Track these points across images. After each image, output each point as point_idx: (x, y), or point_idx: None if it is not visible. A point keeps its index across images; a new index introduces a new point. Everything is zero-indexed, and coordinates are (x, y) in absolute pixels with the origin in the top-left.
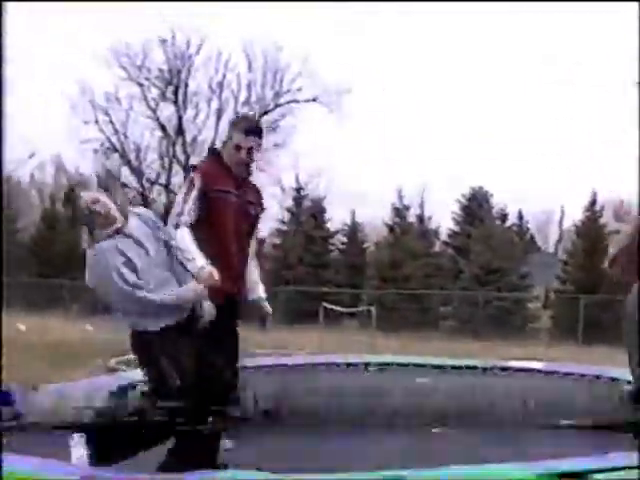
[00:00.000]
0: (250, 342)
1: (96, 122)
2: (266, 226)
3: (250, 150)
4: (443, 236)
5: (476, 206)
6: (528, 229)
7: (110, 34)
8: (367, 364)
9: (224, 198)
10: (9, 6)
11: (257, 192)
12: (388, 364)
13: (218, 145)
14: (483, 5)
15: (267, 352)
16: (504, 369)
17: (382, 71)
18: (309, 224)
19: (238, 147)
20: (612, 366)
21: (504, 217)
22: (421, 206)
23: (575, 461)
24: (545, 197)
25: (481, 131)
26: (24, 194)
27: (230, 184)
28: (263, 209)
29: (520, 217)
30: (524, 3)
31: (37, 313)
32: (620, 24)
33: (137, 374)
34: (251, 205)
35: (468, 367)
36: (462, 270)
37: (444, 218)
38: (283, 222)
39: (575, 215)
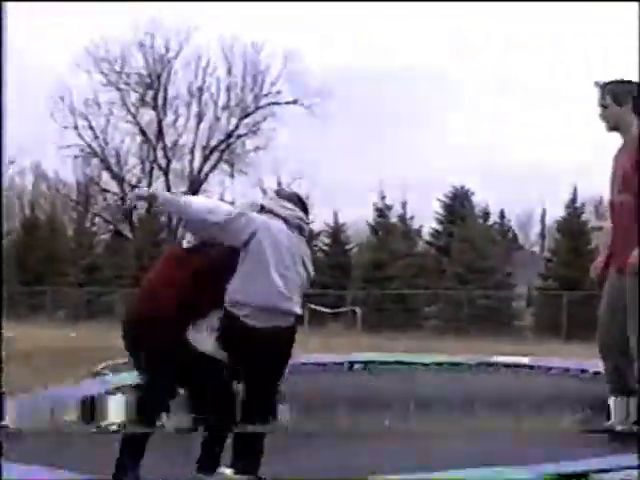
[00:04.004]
0: None
1: (75, 128)
2: None
3: None
4: (426, 236)
5: (458, 205)
6: (510, 227)
7: (86, 39)
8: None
9: None
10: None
11: None
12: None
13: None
14: None
15: None
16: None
17: (362, 70)
18: None
19: None
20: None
21: (486, 216)
22: (403, 206)
23: (575, 463)
24: (526, 195)
25: (460, 128)
26: (5, 200)
27: None
28: None
29: (502, 216)
30: None
31: (21, 321)
32: None
33: (122, 378)
34: None
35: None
36: (445, 269)
37: (426, 218)
38: None
39: (556, 212)
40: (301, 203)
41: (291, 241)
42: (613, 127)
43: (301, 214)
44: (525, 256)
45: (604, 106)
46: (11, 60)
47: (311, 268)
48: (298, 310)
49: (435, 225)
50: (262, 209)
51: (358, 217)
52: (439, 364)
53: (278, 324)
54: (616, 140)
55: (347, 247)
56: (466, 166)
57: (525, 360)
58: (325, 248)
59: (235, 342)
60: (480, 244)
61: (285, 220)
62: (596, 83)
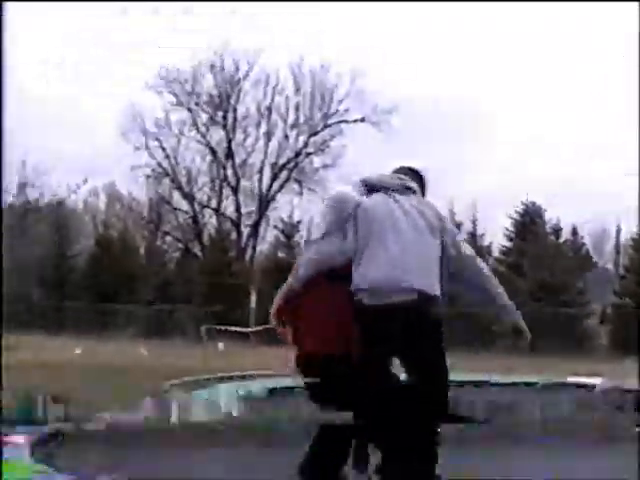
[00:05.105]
0: None
1: (147, 148)
2: None
3: None
4: (496, 253)
5: (529, 221)
6: (583, 244)
7: (160, 60)
8: None
9: None
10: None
11: None
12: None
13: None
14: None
15: None
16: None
17: (430, 86)
18: None
19: None
20: None
21: (558, 232)
22: (473, 222)
23: None
24: (600, 212)
25: (533, 144)
26: (78, 220)
27: None
28: None
29: (574, 232)
30: None
31: (92, 337)
32: None
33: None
34: None
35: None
36: (516, 287)
37: (496, 234)
38: None
39: (631, 228)
40: (411, 172)
41: (398, 205)
42: None
43: (403, 177)
44: (599, 273)
45: None
46: (84, 86)
47: (445, 226)
48: (422, 285)
49: (505, 242)
50: (365, 186)
51: None
52: (515, 384)
53: (391, 301)
54: None
55: None
56: (540, 182)
57: (598, 381)
58: None
59: (359, 327)
60: (552, 261)
61: (385, 188)
62: None
